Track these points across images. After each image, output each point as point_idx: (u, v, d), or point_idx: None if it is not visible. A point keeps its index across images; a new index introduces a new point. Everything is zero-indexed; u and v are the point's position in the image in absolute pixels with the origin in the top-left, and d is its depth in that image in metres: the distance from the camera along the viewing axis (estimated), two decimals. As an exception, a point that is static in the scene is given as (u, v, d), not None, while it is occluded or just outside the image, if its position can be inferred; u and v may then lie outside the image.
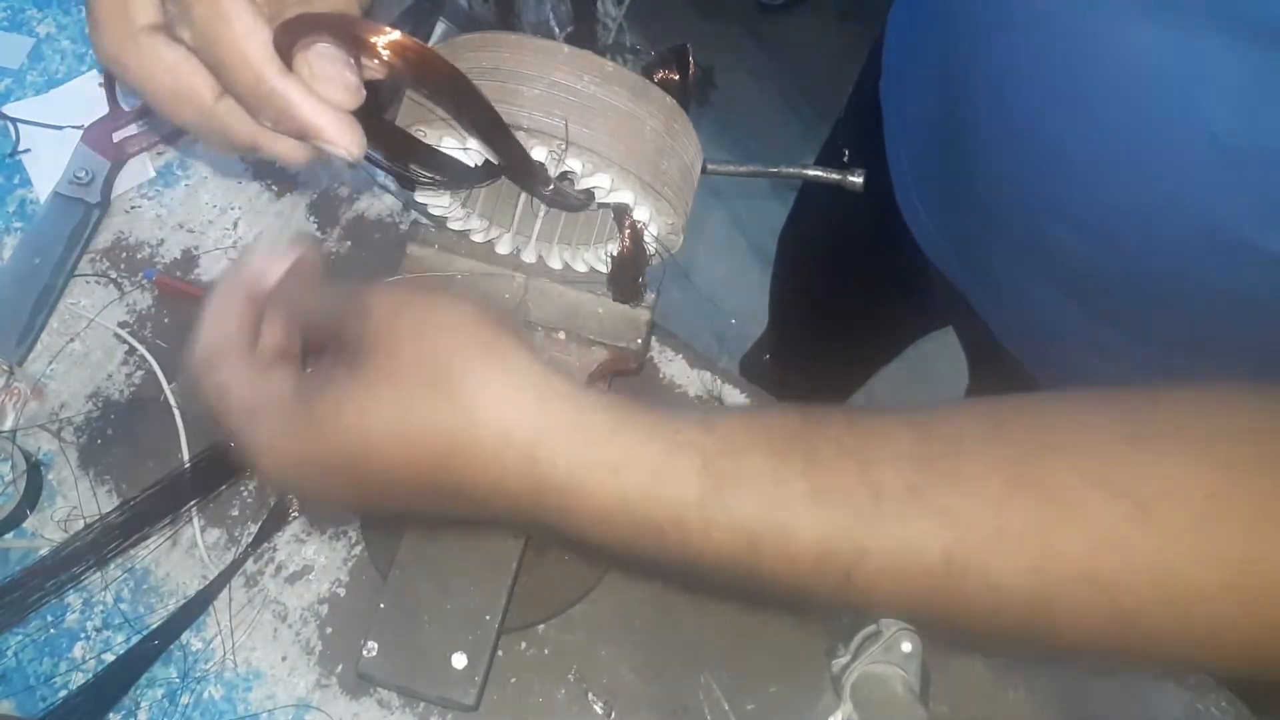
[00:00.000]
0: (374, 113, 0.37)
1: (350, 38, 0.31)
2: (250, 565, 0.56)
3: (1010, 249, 0.55)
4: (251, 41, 0.32)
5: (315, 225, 0.65)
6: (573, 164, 0.38)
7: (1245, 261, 0.41)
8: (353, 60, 0.34)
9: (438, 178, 0.40)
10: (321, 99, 0.33)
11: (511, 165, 0.39)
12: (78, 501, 0.57)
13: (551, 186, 0.40)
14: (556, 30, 0.43)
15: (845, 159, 0.72)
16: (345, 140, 0.34)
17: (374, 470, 0.34)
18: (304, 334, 0.39)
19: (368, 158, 0.37)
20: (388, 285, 0.35)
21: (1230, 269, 0.42)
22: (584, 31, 0.43)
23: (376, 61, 0.32)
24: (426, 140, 0.39)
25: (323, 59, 0.33)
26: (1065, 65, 0.42)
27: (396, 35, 0.31)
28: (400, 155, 0.39)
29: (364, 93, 0.35)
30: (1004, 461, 0.32)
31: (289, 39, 0.32)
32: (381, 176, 0.66)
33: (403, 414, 0.32)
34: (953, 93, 0.53)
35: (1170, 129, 0.39)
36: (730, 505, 0.32)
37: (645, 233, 0.41)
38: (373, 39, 0.31)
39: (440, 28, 0.60)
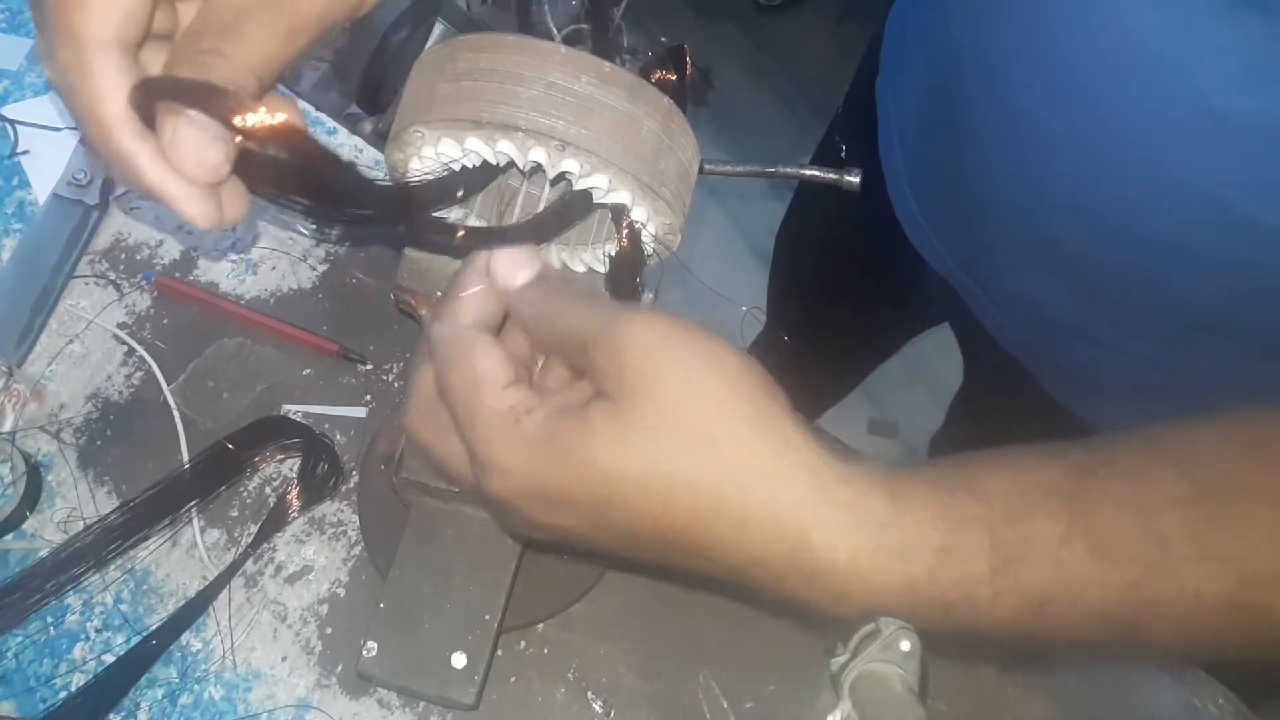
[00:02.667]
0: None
1: (210, 109, 0.28)
2: (250, 566, 0.56)
3: (1006, 242, 0.54)
4: (106, 102, 0.30)
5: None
6: (570, 164, 0.38)
7: (1248, 240, 0.41)
8: (227, 132, 0.31)
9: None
10: (174, 169, 0.31)
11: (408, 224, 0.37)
12: (77, 503, 0.57)
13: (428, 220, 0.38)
14: (554, 30, 0.43)
15: (842, 154, 0.72)
16: (194, 212, 0.32)
17: (616, 515, 0.32)
18: (536, 347, 0.36)
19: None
20: (645, 316, 0.32)
21: (1232, 248, 0.42)
22: (598, 32, 0.42)
23: (240, 139, 0.29)
24: (424, 142, 0.39)
25: (188, 126, 0.31)
26: (1060, 45, 0.41)
27: (260, 116, 0.28)
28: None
29: (225, 171, 0.32)
30: (1275, 495, 0.32)
31: (146, 99, 0.30)
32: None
33: (663, 467, 0.31)
34: (947, 79, 0.52)
35: (1169, 107, 0.38)
36: (1020, 575, 0.32)
37: (643, 233, 0.41)
38: (233, 118, 0.28)
39: (438, 28, 0.60)
